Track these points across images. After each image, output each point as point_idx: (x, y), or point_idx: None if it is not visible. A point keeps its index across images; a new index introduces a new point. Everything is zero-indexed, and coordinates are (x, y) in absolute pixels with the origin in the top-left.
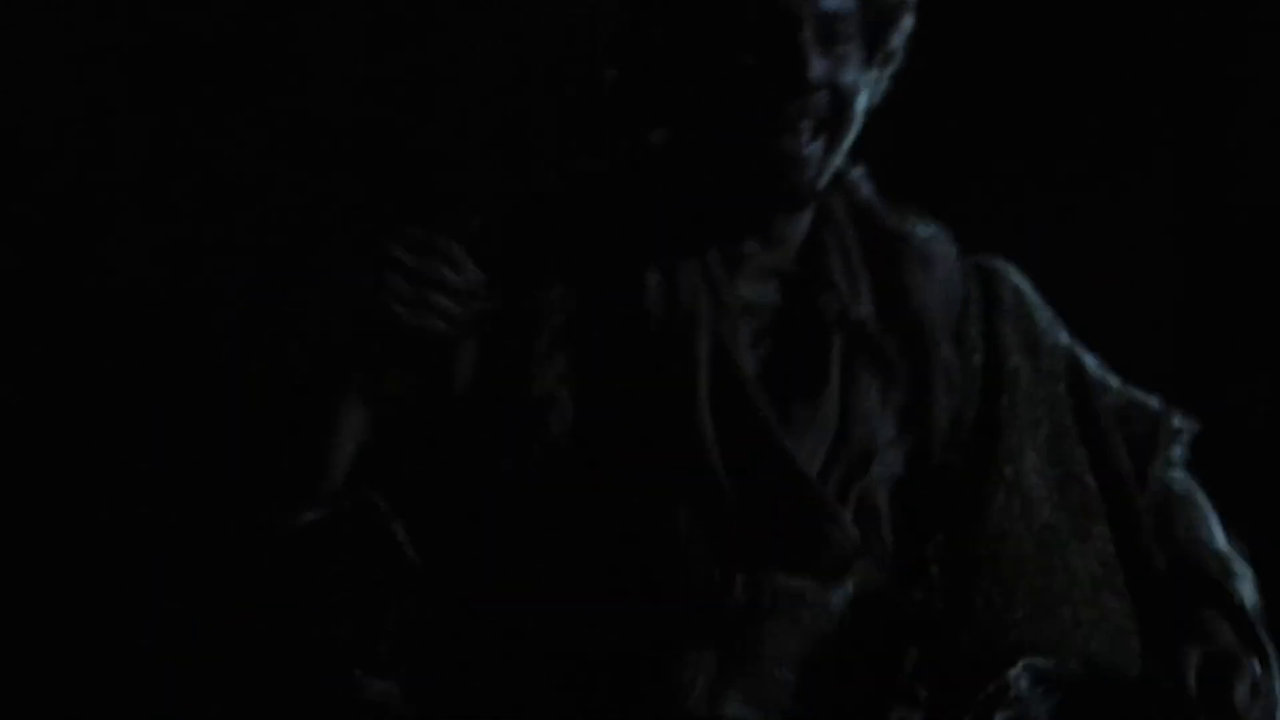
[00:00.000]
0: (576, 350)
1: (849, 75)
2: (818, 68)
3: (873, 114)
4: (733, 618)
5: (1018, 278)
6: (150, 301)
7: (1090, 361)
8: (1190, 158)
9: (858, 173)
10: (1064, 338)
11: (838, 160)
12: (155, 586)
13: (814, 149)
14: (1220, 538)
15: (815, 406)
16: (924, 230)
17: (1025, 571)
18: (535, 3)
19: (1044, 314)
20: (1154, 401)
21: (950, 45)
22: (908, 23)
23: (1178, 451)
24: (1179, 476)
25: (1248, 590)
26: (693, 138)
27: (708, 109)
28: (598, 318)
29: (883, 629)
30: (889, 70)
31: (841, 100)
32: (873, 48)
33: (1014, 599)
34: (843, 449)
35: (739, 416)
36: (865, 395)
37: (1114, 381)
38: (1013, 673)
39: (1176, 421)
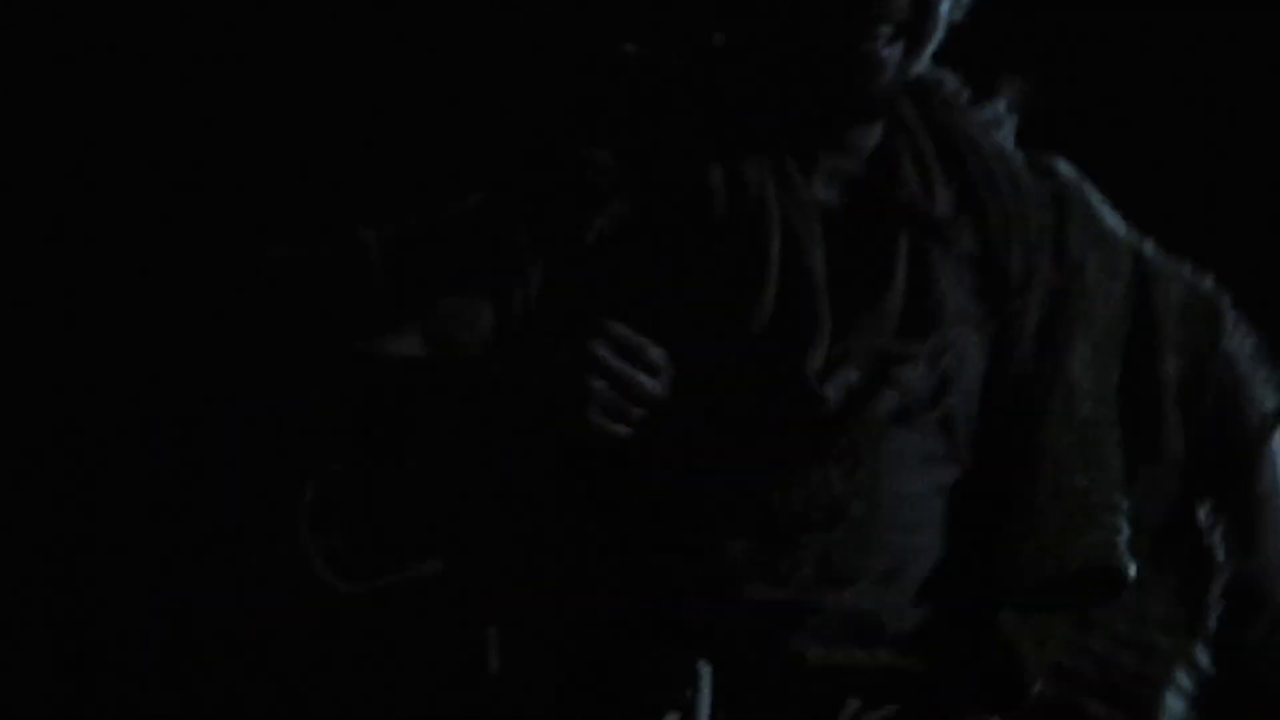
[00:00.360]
0: (626, 243)
1: None
2: None
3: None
4: (737, 539)
5: (1076, 172)
6: (149, 303)
7: (1149, 251)
8: (1188, 156)
9: (936, 74)
10: (1124, 230)
11: (917, 67)
12: (153, 587)
13: (892, 53)
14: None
15: (880, 302)
16: (1002, 131)
17: (1065, 469)
18: (535, 4)
19: (1106, 208)
20: (1207, 284)
21: (947, 44)
22: None
23: (1240, 333)
24: (1249, 354)
25: None
26: (764, 39)
27: (781, 8)
28: (652, 214)
29: (958, 534)
30: None
31: (924, 3)
32: None
33: (1058, 499)
34: (910, 335)
35: (796, 317)
36: (936, 283)
37: (1172, 266)
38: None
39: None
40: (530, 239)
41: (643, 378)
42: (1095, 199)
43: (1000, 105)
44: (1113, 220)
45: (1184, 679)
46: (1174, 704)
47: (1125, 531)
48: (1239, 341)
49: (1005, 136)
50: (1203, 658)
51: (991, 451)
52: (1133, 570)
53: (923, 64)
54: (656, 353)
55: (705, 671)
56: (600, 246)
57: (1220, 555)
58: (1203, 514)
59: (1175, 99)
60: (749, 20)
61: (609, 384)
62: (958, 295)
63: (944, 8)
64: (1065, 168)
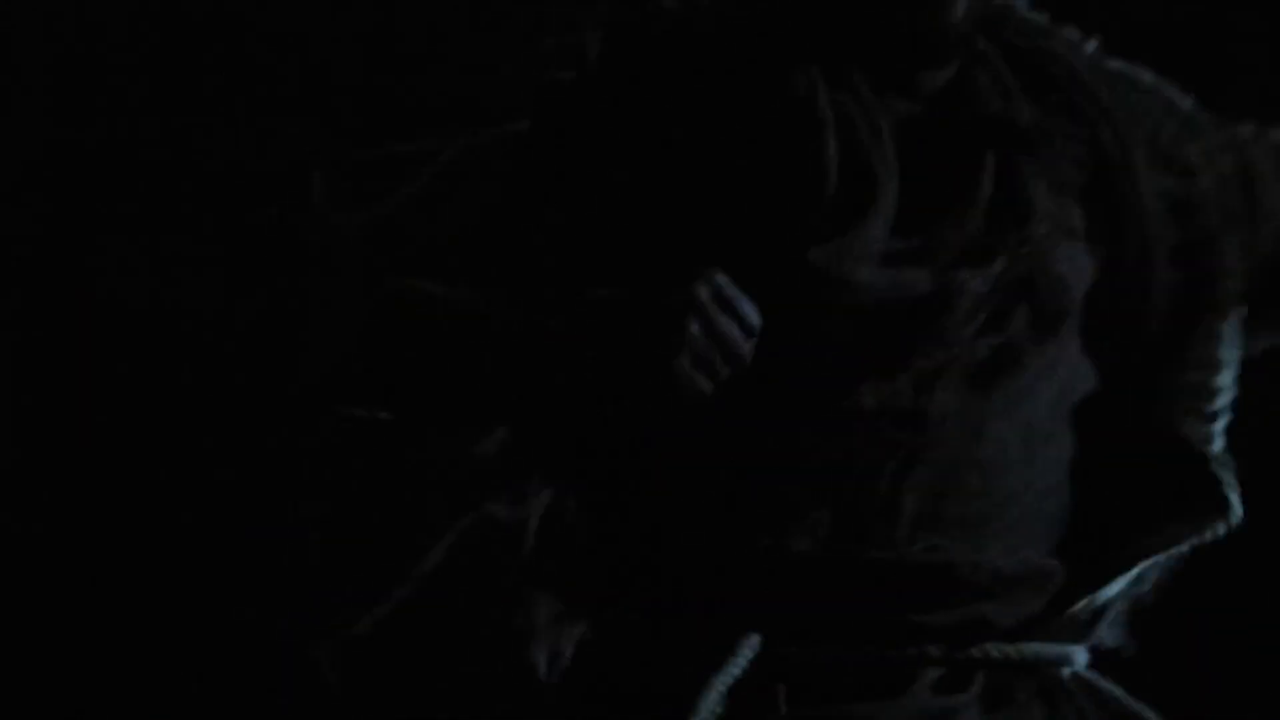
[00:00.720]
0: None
1: None
2: None
3: None
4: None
5: (1135, 68)
6: (147, 309)
7: (1224, 123)
8: None
9: (1007, 1)
10: (1198, 108)
11: (988, 5)
12: (129, 594)
13: None
14: None
15: (962, 212)
16: (1083, 52)
17: (1220, 384)
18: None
19: (1177, 92)
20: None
21: None
22: None
23: None
24: None
25: None
26: None
27: None
28: (692, 143)
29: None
30: None
31: None
32: None
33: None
34: (996, 238)
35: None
36: (1023, 189)
37: (1247, 130)
38: None
39: None
40: (569, 172)
41: (737, 335)
42: (1169, 89)
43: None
44: (1189, 102)
45: None
46: None
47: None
48: None
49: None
50: None
51: (1142, 363)
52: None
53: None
54: (753, 311)
55: (750, 644)
56: (640, 180)
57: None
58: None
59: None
60: None
61: (705, 333)
62: (1050, 203)
63: None
64: (1123, 66)
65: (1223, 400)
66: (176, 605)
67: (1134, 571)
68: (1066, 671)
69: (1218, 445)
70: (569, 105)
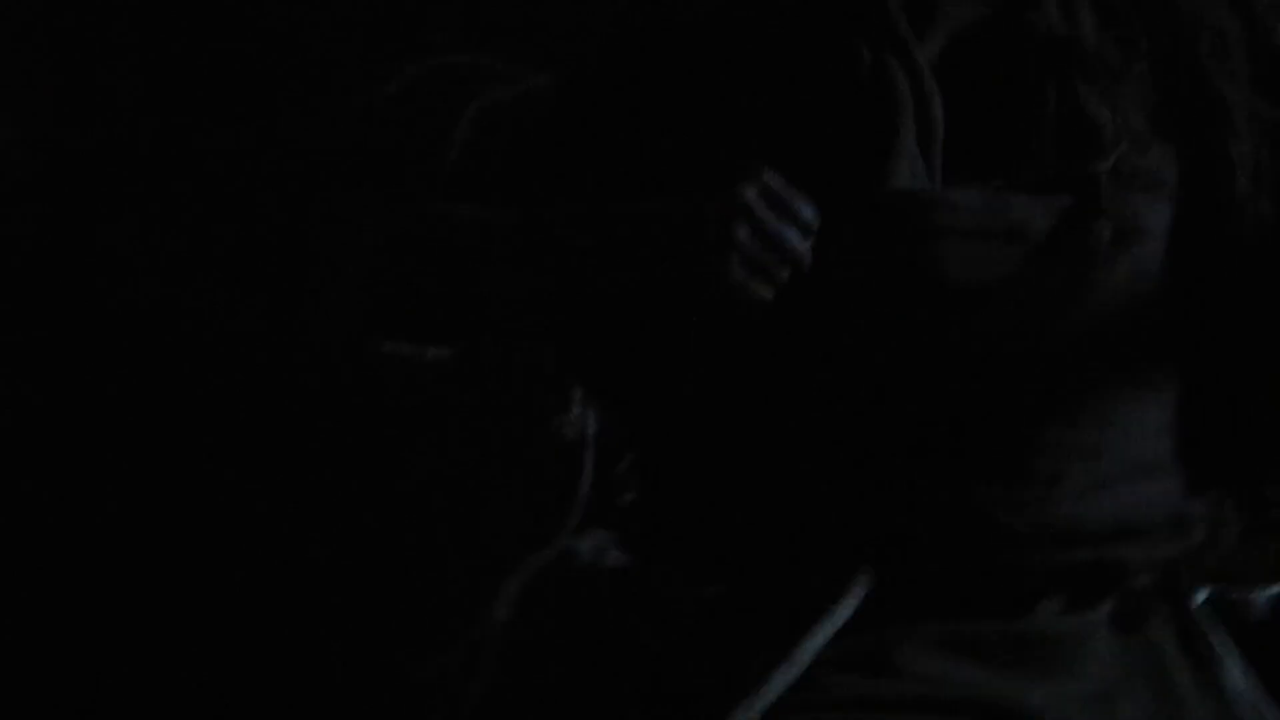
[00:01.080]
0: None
1: None
2: None
3: None
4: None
5: None
6: (147, 309)
7: None
8: None
9: None
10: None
11: None
12: (140, 592)
13: None
14: None
15: (1019, 134)
16: None
17: None
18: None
19: None
20: None
21: None
22: None
23: None
24: None
25: None
26: None
27: None
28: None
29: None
30: None
31: None
32: None
33: None
34: (1067, 162)
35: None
36: (1093, 110)
37: None
38: None
39: None
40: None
41: (793, 235)
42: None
43: None
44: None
45: None
46: None
47: None
48: None
49: None
50: None
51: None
52: None
53: None
54: (809, 210)
55: (856, 593)
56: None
57: None
58: None
59: None
60: None
61: (755, 236)
62: (1122, 126)
63: None
64: None
65: None
66: (177, 605)
67: None
68: (1198, 602)
69: None
70: (604, 61)
